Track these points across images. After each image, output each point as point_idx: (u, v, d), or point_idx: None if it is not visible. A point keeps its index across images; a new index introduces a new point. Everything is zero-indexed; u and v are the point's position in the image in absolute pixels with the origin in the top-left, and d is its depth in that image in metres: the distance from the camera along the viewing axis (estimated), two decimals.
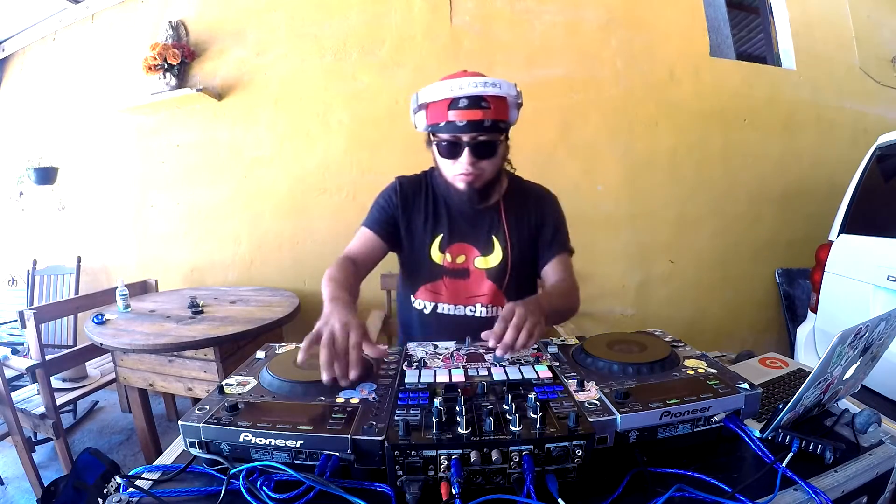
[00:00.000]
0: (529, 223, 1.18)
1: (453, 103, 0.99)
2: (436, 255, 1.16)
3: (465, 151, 1.02)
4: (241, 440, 0.60)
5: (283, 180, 2.75)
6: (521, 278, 1.19)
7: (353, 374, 0.70)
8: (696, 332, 2.79)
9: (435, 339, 0.94)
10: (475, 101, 0.98)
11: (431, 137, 1.08)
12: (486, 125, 1.00)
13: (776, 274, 2.88)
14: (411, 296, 1.21)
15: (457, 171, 1.05)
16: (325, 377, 0.69)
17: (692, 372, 0.73)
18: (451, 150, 1.03)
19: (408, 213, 1.17)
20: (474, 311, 1.16)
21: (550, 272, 1.16)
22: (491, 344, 0.78)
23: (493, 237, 1.16)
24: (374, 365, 0.81)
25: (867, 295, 1.85)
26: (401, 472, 0.57)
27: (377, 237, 1.14)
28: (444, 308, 1.17)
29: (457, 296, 1.16)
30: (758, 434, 0.66)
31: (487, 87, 0.98)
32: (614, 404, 0.63)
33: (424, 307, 1.18)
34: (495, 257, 1.16)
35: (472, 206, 1.13)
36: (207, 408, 0.65)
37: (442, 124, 1.01)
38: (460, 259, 1.16)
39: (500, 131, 1.05)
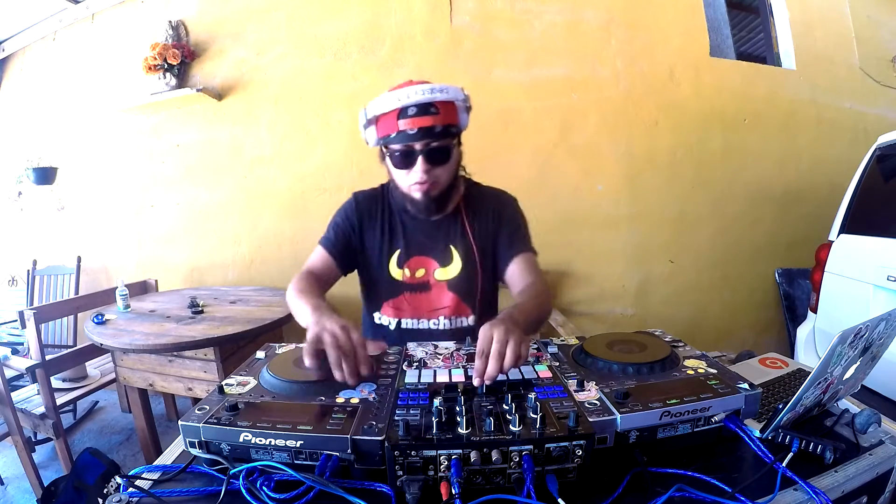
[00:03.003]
0: (489, 227, 1.15)
1: (402, 112, 0.98)
2: (394, 271, 1.14)
3: (419, 159, 1.00)
4: (241, 440, 0.60)
5: (283, 180, 2.75)
6: (486, 285, 1.16)
7: (364, 371, 0.73)
8: (696, 332, 2.79)
9: None
10: (424, 108, 0.97)
11: (384, 150, 1.06)
12: (437, 131, 0.99)
13: (776, 274, 2.88)
14: (375, 313, 1.19)
15: (412, 181, 1.04)
16: (337, 376, 0.71)
17: (692, 372, 0.73)
18: (405, 160, 1.02)
19: (364, 231, 1.16)
20: (438, 324, 1.14)
21: (516, 274, 1.10)
22: (476, 382, 0.71)
23: (451, 247, 1.14)
24: (374, 365, 0.81)
25: (867, 295, 1.85)
26: (401, 472, 0.57)
27: (331, 259, 1.13)
28: (408, 323, 1.15)
29: (419, 310, 1.14)
30: (758, 434, 0.66)
31: (435, 94, 0.97)
32: (614, 404, 0.63)
33: (389, 323, 1.16)
34: (454, 268, 1.14)
35: (430, 216, 1.11)
36: (207, 408, 0.65)
37: (393, 135, 1.00)
38: (420, 273, 1.14)
39: (451, 136, 1.04)
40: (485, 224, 1.15)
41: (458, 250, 1.14)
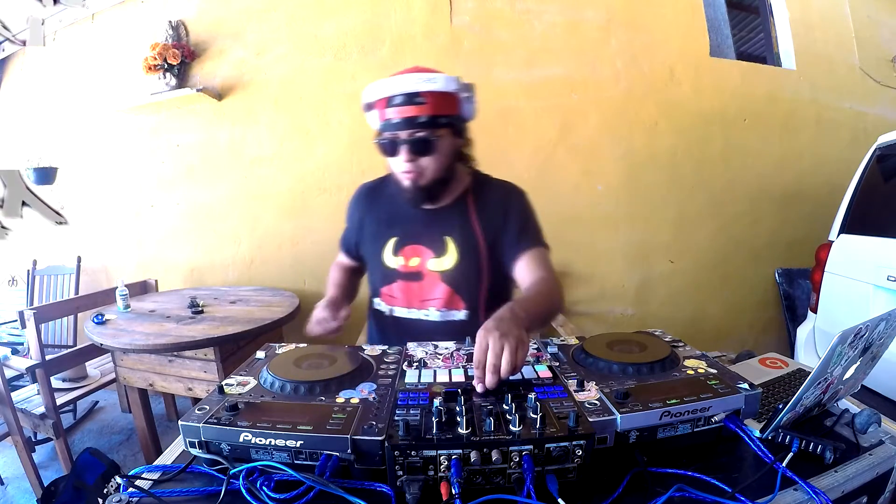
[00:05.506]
0: (496, 221, 1.12)
1: (389, 101, 0.99)
2: (389, 258, 1.14)
3: (403, 149, 1.01)
4: (241, 440, 0.60)
5: (283, 180, 2.75)
6: (493, 280, 1.14)
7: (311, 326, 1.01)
8: (696, 332, 2.79)
9: (394, 341, 0.94)
10: (410, 98, 0.97)
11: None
12: (420, 121, 0.98)
13: (776, 274, 2.88)
14: (374, 298, 1.20)
15: (399, 170, 1.06)
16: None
17: (692, 372, 0.73)
18: (390, 148, 1.03)
19: (364, 220, 1.20)
20: (428, 315, 1.13)
21: (524, 270, 1.08)
22: (479, 389, 0.70)
23: (447, 238, 1.11)
24: (374, 365, 0.81)
25: (867, 295, 1.85)
26: (401, 472, 0.57)
27: (348, 257, 1.26)
28: (400, 311, 1.15)
29: (410, 299, 1.13)
30: (758, 434, 0.66)
31: (422, 83, 0.97)
32: (614, 404, 0.63)
33: (385, 310, 1.17)
34: (449, 259, 1.12)
35: (417, 205, 1.10)
36: (207, 408, 0.65)
37: (381, 123, 1.02)
38: (414, 262, 1.13)
39: (438, 127, 1.01)
40: (491, 217, 1.12)
41: (455, 242, 1.11)
